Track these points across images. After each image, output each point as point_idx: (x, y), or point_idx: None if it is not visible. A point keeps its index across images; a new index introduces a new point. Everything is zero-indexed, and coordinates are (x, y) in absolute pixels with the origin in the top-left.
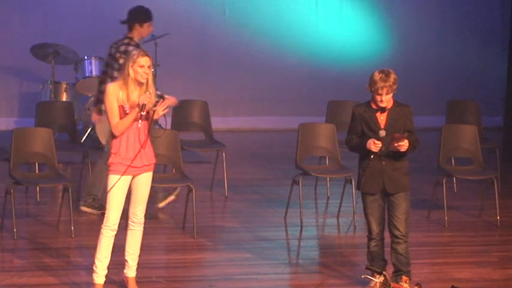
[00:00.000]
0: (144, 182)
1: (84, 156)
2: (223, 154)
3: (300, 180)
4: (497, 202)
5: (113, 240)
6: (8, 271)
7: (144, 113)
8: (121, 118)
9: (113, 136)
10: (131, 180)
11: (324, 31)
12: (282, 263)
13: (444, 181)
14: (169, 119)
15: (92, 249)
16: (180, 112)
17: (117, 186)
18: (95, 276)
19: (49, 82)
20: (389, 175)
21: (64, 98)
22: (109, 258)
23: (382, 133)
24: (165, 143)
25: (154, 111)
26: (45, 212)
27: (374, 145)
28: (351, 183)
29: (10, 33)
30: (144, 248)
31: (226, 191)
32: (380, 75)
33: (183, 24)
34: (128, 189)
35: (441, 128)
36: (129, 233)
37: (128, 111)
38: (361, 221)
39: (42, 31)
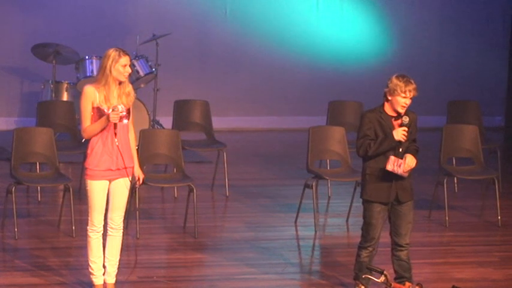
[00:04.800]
0: (120, 188)
1: (85, 156)
2: (224, 154)
3: (314, 184)
4: (498, 202)
5: (101, 240)
6: (8, 271)
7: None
8: (98, 119)
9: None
10: (109, 185)
11: (324, 31)
12: (282, 263)
13: (445, 181)
14: (170, 119)
15: None
16: (181, 112)
17: (95, 190)
18: (93, 278)
19: (50, 82)
20: (401, 184)
21: (65, 97)
22: (102, 258)
23: (406, 119)
24: (166, 143)
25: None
26: (46, 212)
27: (403, 132)
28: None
29: (11, 33)
30: (145, 248)
31: (227, 191)
32: (404, 78)
33: (184, 24)
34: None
35: (442, 128)
36: (108, 239)
37: (106, 111)
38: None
39: (43, 31)
